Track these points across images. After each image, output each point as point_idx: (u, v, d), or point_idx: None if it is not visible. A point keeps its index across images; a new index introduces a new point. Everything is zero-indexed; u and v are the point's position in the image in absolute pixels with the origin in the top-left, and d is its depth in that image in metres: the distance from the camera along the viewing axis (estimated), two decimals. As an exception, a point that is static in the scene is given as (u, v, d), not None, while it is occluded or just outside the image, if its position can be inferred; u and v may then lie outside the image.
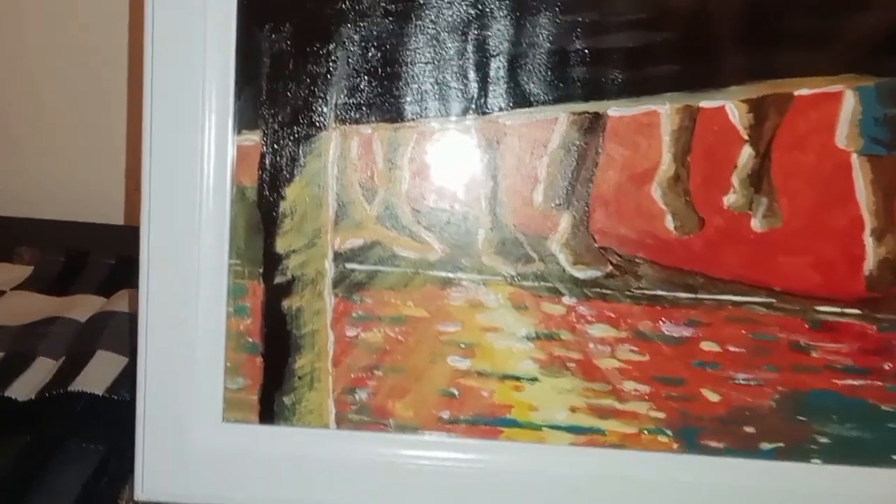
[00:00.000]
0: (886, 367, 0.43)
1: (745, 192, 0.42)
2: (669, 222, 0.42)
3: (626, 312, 0.43)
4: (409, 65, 0.42)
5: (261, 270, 0.43)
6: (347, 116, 0.42)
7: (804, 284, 0.42)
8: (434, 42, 0.41)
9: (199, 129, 0.41)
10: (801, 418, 0.43)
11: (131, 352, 0.54)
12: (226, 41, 0.41)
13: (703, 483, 0.43)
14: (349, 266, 0.43)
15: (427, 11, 0.41)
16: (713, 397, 0.43)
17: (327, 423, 0.43)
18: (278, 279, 0.43)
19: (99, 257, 0.70)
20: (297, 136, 0.42)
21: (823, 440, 0.43)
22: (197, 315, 0.42)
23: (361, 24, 0.41)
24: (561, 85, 0.42)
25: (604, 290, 0.43)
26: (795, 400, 0.43)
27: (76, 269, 0.69)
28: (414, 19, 0.41)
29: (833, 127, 0.42)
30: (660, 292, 0.43)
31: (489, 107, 0.42)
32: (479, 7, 0.41)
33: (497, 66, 0.42)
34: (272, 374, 0.43)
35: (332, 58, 0.42)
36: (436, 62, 0.42)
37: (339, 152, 0.42)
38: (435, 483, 0.43)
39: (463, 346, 0.43)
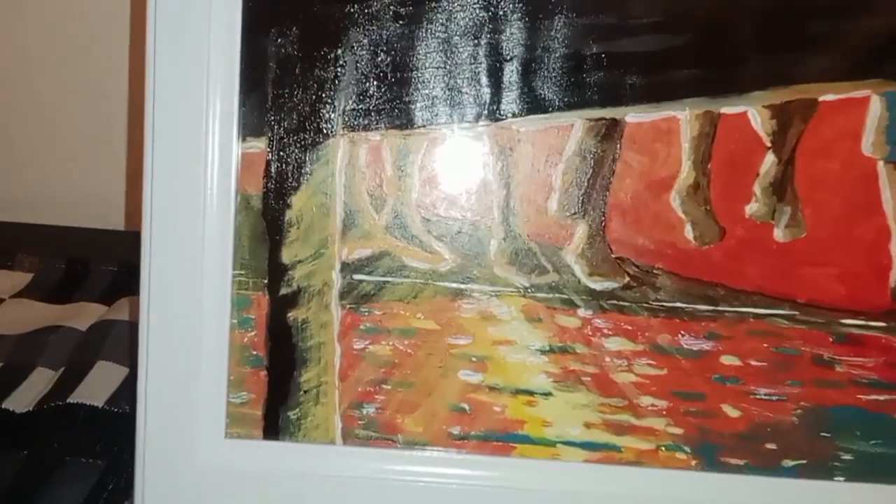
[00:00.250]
0: (913, 383, 0.42)
1: (767, 200, 0.41)
2: (689, 232, 0.42)
3: (644, 325, 0.42)
4: (420, 69, 0.41)
5: (266, 281, 0.42)
6: (356, 123, 0.41)
7: (828, 296, 0.42)
8: (445, 46, 0.41)
9: (203, 135, 0.41)
10: (824, 435, 0.42)
11: (132, 362, 0.53)
12: (230, 45, 0.40)
13: (722, 502, 0.42)
14: (357, 277, 0.42)
15: (438, 14, 0.40)
16: (733, 413, 0.42)
17: (333, 438, 0.43)
18: (284, 290, 0.42)
19: (100, 264, 0.70)
20: (303, 143, 0.41)
21: (847, 457, 0.42)
22: (200, 327, 0.42)
23: (370, 28, 0.40)
24: (577, 90, 0.41)
25: (621, 302, 0.42)
26: (819, 416, 0.42)
27: (77, 276, 0.69)
28: (425, 23, 0.41)
29: (859, 133, 0.41)
30: (679, 304, 0.42)
31: (502, 113, 0.41)
32: (492, 10, 0.40)
33: (510, 71, 0.41)
34: (277, 388, 0.43)
35: (340, 62, 0.41)
36: (447, 67, 0.41)
37: (347, 160, 0.41)
38: (445, 501, 0.42)
39: (474, 359, 0.42)
